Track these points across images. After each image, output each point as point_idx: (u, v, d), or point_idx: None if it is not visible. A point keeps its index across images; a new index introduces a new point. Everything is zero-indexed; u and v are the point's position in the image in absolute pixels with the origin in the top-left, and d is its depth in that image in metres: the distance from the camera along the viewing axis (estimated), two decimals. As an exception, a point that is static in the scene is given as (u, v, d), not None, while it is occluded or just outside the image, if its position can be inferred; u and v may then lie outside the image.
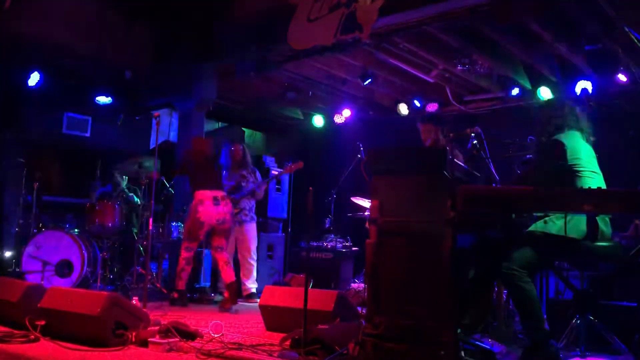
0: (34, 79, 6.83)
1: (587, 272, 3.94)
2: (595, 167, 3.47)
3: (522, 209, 3.00)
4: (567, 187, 3.23)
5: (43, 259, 5.79)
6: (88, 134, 8.15)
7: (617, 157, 6.28)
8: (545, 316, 3.81)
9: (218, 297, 6.27)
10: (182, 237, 6.05)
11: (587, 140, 3.56)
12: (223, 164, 6.25)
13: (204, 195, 5.72)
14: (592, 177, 3.37)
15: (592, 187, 2.85)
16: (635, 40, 5.03)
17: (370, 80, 6.91)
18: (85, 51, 6.92)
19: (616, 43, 5.52)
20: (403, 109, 8.08)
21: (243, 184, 6.51)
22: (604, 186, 3.38)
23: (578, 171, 3.37)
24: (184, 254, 5.76)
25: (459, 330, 3.03)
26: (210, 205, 5.70)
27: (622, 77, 6.18)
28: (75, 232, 6.09)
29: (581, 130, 3.54)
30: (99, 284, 5.95)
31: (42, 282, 5.56)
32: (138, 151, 6.93)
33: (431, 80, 7.23)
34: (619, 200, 2.48)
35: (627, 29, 4.87)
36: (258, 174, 6.72)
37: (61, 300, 3.61)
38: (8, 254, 6.46)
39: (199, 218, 5.69)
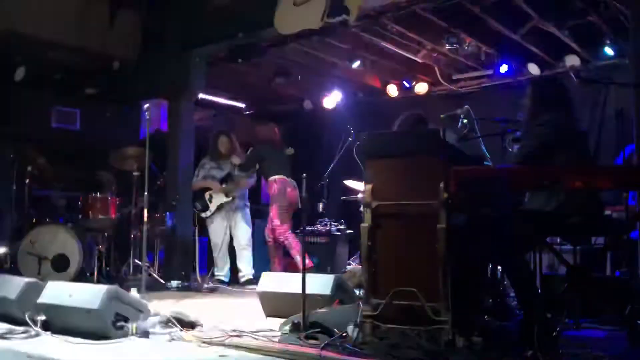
0: (20, 73, 6.76)
1: (579, 246, 4.00)
2: (584, 144, 3.51)
3: (514, 188, 3.04)
4: (556, 164, 3.26)
5: (39, 255, 5.78)
6: (77, 127, 8.09)
7: (605, 132, 6.35)
8: (540, 291, 3.87)
9: (214, 285, 6.29)
10: (275, 224, 6.39)
11: (574, 118, 3.58)
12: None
13: (285, 181, 6.40)
14: (580, 154, 3.41)
15: (582, 164, 2.88)
16: (624, 14, 5.05)
17: (359, 62, 6.91)
18: (71, 43, 6.85)
19: (602, 18, 5.54)
20: (392, 90, 8.08)
21: (235, 172, 6.52)
22: (592, 163, 3.42)
23: (566, 149, 3.40)
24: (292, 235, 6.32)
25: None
26: (293, 190, 6.40)
27: (609, 51, 6.21)
28: (69, 226, 6.08)
29: (565, 108, 3.56)
30: (96, 276, 5.96)
31: (39, 278, 5.56)
32: (128, 142, 6.88)
33: (420, 61, 7.23)
34: (610, 176, 2.52)
35: (612, 2, 4.89)
36: (249, 161, 6.72)
37: (60, 295, 3.62)
38: (2, 250, 6.43)
39: (290, 199, 6.36)
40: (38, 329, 3.53)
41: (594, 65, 6.59)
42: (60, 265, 5.81)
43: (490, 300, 4.17)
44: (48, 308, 3.62)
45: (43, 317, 3.59)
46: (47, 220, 6.25)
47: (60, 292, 3.66)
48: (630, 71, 4.35)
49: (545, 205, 3.32)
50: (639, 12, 4.36)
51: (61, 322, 3.56)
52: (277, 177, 6.44)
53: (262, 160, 6.54)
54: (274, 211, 6.40)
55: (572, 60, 6.44)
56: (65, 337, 3.43)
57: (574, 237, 3.66)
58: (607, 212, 4.26)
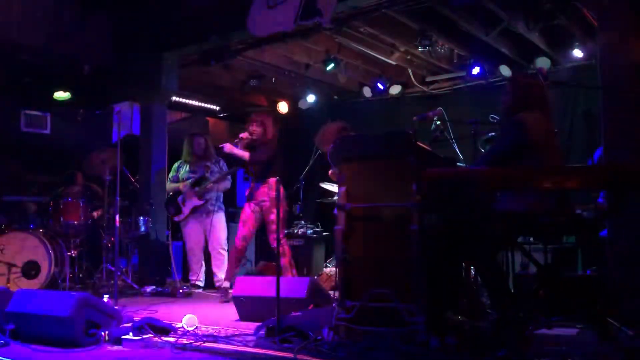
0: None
1: (550, 245, 4.06)
2: (556, 144, 3.56)
3: (484, 189, 3.07)
4: (527, 165, 3.30)
5: (8, 262, 5.66)
6: (48, 131, 7.96)
7: (575, 133, 6.46)
8: (512, 290, 3.92)
9: (189, 290, 6.23)
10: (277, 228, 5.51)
11: (548, 118, 3.63)
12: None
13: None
14: (553, 155, 3.46)
15: (551, 165, 2.92)
16: (590, 17, 5.14)
17: (333, 65, 6.92)
18: (41, 45, 6.72)
19: (570, 20, 5.64)
20: (367, 92, 8.12)
21: (208, 175, 6.47)
22: (563, 163, 3.47)
23: (539, 149, 3.45)
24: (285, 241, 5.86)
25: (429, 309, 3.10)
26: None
27: (578, 53, 6.32)
28: (40, 232, 5.97)
29: (541, 108, 3.61)
30: (67, 283, 5.86)
31: (9, 286, 5.45)
32: (100, 146, 6.78)
33: (393, 63, 7.28)
34: (577, 176, 2.56)
35: (578, 5, 4.97)
36: (223, 164, 6.67)
37: (30, 303, 3.55)
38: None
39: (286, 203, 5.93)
40: (6, 338, 3.46)
41: (564, 67, 6.70)
42: (30, 272, 5.70)
43: (465, 300, 4.21)
44: (17, 316, 3.55)
45: (12, 326, 3.52)
46: (17, 226, 6.13)
47: (30, 300, 3.59)
48: (599, 73, 4.43)
49: (516, 205, 3.36)
50: (605, 14, 4.44)
51: (31, 331, 3.49)
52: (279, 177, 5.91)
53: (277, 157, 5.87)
54: (273, 216, 5.53)
55: (542, 63, 6.53)
56: (35, 345, 3.37)
57: (546, 236, 3.72)
58: (578, 210, 4.33)
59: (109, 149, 6.44)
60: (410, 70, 7.66)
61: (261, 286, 4.22)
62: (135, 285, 6.20)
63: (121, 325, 3.56)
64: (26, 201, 6.86)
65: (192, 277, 6.53)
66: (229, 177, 6.66)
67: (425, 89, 7.96)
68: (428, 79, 7.93)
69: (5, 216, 6.50)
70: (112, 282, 5.61)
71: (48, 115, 7.97)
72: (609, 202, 4.20)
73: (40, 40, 6.67)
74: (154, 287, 6.21)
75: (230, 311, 4.51)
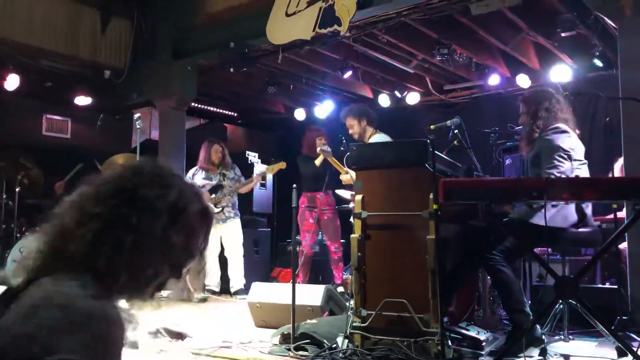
0: (11, 81, 6.74)
1: (568, 257, 4.02)
2: (582, 156, 3.56)
3: (501, 199, 3.06)
4: (544, 176, 3.29)
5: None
6: (68, 135, 8.06)
7: (594, 144, 6.39)
8: (529, 302, 3.89)
9: (203, 295, 6.25)
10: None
11: (574, 130, 3.64)
12: None
13: None
14: (581, 168, 3.46)
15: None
16: (610, 27, 5.10)
17: (350, 72, 6.93)
18: (63, 52, 6.84)
19: (590, 30, 5.60)
20: (384, 100, 8.12)
21: (224, 182, 6.50)
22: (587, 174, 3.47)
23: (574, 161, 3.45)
24: None
25: (445, 320, 3.09)
26: None
27: (598, 63, 6.26)
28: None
29: (566, 120, 3.61)
30: (85, 286, 5.90)
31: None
32: (119, 151, 6.85)
33: (411, 71, 7.27)
34: (595, 188, 2.54)
35: (599, 15, 4.93)
36: (237, 170, 6.70)
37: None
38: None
39: None
40: (25, 339, 3.50)
41: (584, 76, 6.64)
42: (49, 275, 5.76)
43: (481, 311, 4.18)
44: (36, 318, 3.59)
45: (31, 328, 3.56)
46: (37, 228, 6.19)
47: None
48: (619, 83, 4.39)
49: (533, 216, 3.34)
50: (626, 25, 4.40)
51: (49, 333, 3.53)
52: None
53: None
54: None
55: (561, 72, 6.49)
56: (53, 348, 3.41)
57: (563, 247, 3.69)
58: (596, 222, 4.29)
59: (129, 154, 6.51)
60: (428, 79, 7.65)
61: (277, 293, 4.23)
62: (151, 289, 6.23)
63: (137, 330, 3.58)
64: (45, 205, 6.94)
65: (208, 283, 6.55)
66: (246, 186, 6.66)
67: (443, 97, 7.94)
68: (446, 88, 7.91)
69: (26, 218, 6.59)
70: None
71: (69, 120, 8.07)
72: (628, 214, 4.15)
73: (62, 45, 6.78)
74: (170, 291, 6.23)
75: (245, 317, 4.53)
